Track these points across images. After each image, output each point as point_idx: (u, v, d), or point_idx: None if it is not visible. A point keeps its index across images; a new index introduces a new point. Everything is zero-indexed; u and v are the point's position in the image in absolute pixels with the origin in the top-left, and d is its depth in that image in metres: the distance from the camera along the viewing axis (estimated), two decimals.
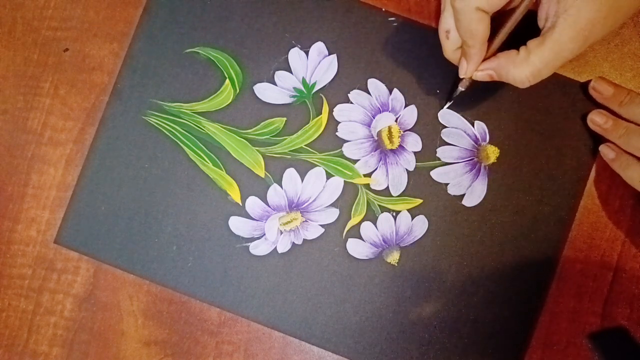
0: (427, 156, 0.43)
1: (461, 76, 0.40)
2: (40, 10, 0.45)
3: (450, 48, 0.39)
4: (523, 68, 0.37)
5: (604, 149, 0.42)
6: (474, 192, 0.43)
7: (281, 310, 0.42)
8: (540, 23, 0.38)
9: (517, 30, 0.38)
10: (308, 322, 0.42)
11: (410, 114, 0.43)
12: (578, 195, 0.43)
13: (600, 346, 0.42)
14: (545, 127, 0.43)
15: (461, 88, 0.41)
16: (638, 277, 0.43)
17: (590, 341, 0.42)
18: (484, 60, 0.39)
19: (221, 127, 0.43)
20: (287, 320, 0.42)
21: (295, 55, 0.43)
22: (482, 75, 0.39)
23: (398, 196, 0.43)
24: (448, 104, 0.43)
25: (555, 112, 0.43)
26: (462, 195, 0.43)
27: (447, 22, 0.38)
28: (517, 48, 0.37)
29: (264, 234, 0.43)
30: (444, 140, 0.43)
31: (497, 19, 0.37)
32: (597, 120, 0.42)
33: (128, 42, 0.44)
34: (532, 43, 0.37)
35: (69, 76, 0.44)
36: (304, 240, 0.43)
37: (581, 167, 0.43)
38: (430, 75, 0.43)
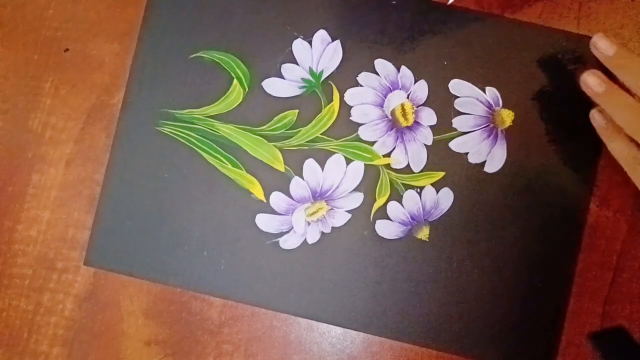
0: (444, 128, 0.43)
1: None
2: (41, 10, 0.45)
3: None
4: None
5: (595, 115, 0.40)
6: (494, 158, 0.43)
7: (319, 301, 0.42)
8: None
9: None
10: (347, 309, 0.42)
11: (421, 89, 0.43)
12: (598, 148, 0.43)
13: (600, 346, 0.42)
14: (557, 85, 0.43)
15: None
16: (638, 277, 0.43)
17: (590, 341, 0.42)
18: None
19: (235, 127, 0.43)
20: (327, 311, 0.42)
21: (299, 46, 0.43)
22: None
23: (420, 172, 0.43)
24: None
25: (565, 69, 0.43)
26: (484, 163, 0.43)
27: None
28: None
29: (292, 228, 0.43)
30: (458, 111, 0.43)
31: None
32: (589, 81, 0.39)
33: (129, 42, 0.44)
34: None
35: (69, 76, 0.44)
36: (333, 228, 0.43)
37: None
38: (436, 48, 0.43)
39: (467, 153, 0.43)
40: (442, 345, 0.42)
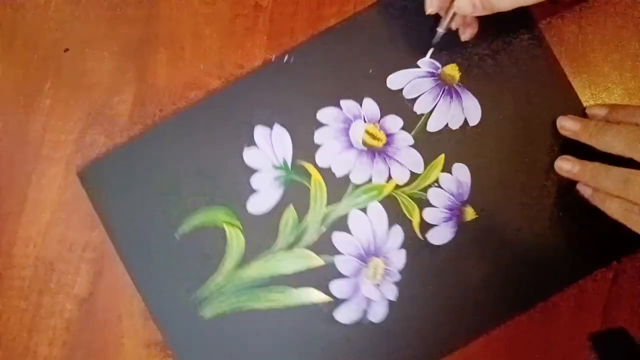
0: (413, 120, 0.43)
1: (427, 12, 0.39)
2: (41, 11, 0.44)
3: None
4: None
5: (580, 188, 0.41)
6: (470, 111, 0.43)
7: (444, 334, 0.42)
8: None
9: None
10: (465, 324, 0.42)
11: (370, 106, 0.43)
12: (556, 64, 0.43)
13: (600, 346, 0.42)
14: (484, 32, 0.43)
15: (440, 30, 0.40)
16: (638, 277, 0.43)
17: (590, 341, 0.42)
18: None
19: (257, 262, 0.42)
20: (448, 337, 0.42)
21: (250, 156, 0.43)
22: (465, 2, 0.38)
23: (424, 170, 0.43)
24: (430, 52, 0.43)
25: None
26: (465, 121, 0.43)
27: None
28: None
29: (369, 299, 0.42)
30: (411, 98, 0.43)
31: None
32: (564, 167, 0.42)
33: (128, 42, 0.44)
34: None
35: (69, 78, 0.44)
36: (399, 271, 0.42)
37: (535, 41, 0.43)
38: (354, 67, 0.43)
39: (447, 124, 0.43)
40: (543, 297, 0.42)
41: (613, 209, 0.38)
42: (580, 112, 0.43)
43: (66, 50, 0.44)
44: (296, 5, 0.45)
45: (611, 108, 0.41)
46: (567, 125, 0.41)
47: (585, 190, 0.41)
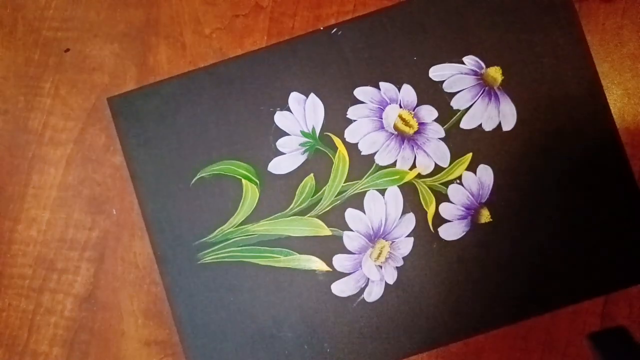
0: (448, 114, 0.43)
1: None
2: (41, 10, 0.45)
3: None
4: None
5: None
6: (506, 116, 0.43)
7: (435, 327, 0.42)
8: None
9: None
10: (451, 323, 0.42)
11: (408, 93, 0.43)
12: (594, 73, 0.43)
13: (600, 346, 0.41)
14: (528, 23, 0.43)
15: None
16: None
17: (590, 341, 0.41)
18: None
19: (267, 221, 0.43)
20: (438, 330, 0.42)
21: (280, 117, 0.43)
22: None
23: (449, 165, 0.43)
24: None
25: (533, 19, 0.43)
26: (499, 125, 0.43)
27: None
28: None
29: (368, 278, 0.42)
30: (450, 92, 0.43)
31: None
32: None
33: (129, 43, 0.45)
34: None
35: (69, 76, 0.45)
36: (403, 258, 0.42)
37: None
38: (397, 50, 0.43)
39: (480, 124, 0.43)
40: (541, 310, 0.42)
41: None
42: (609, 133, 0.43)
43: (67, 50, 0.45)
44: (296, 5, 0.45)
45: None
46: None
47: None
